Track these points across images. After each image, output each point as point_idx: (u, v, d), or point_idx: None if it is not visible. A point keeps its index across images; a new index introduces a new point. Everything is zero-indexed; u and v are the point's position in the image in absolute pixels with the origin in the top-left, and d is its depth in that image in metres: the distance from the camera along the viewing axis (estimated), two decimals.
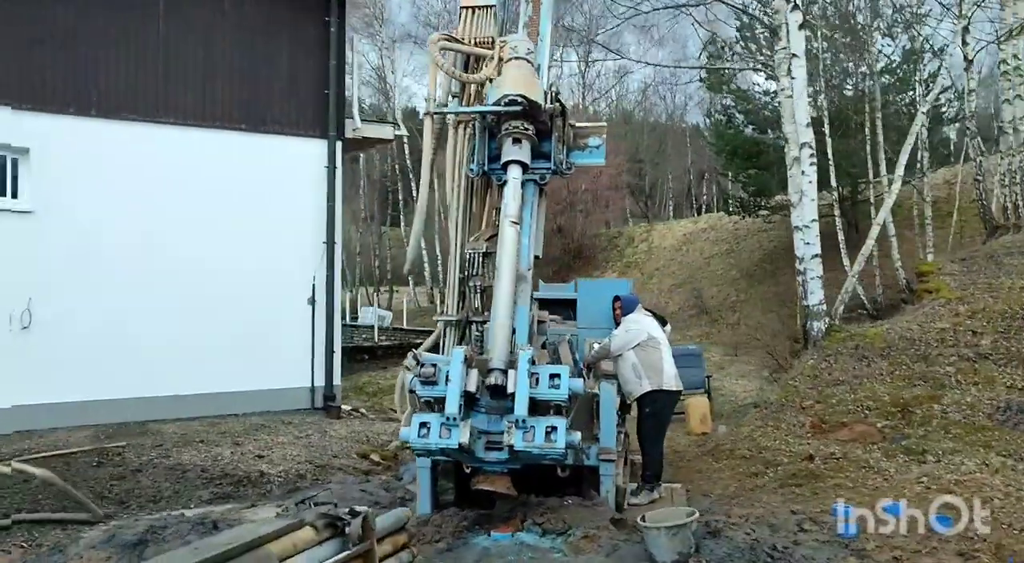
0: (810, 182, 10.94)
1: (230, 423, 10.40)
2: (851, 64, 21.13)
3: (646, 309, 7.86)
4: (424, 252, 30.47)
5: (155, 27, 10.82)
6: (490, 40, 7.08)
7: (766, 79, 19.99)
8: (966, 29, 14.46)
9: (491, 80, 6.65)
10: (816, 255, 10.86)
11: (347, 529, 4.41)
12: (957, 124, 20.92)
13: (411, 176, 33.51)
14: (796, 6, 10.88)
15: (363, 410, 12.20)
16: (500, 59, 6.70)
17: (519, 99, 6.27)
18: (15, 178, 10.07)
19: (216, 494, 7.84)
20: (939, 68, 17.00)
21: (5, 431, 9.39)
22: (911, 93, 20.19)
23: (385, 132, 13.69)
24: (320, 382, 11.72)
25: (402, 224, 35.13)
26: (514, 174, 6.38)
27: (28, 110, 9.98)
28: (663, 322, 7.80)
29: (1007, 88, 14.29)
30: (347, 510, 4.51)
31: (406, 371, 5.90)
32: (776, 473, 7.88)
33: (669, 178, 44.72)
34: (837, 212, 19.18)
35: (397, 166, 36.93)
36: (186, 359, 10.66)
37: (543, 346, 6.90)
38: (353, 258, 37.18)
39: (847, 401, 9.11)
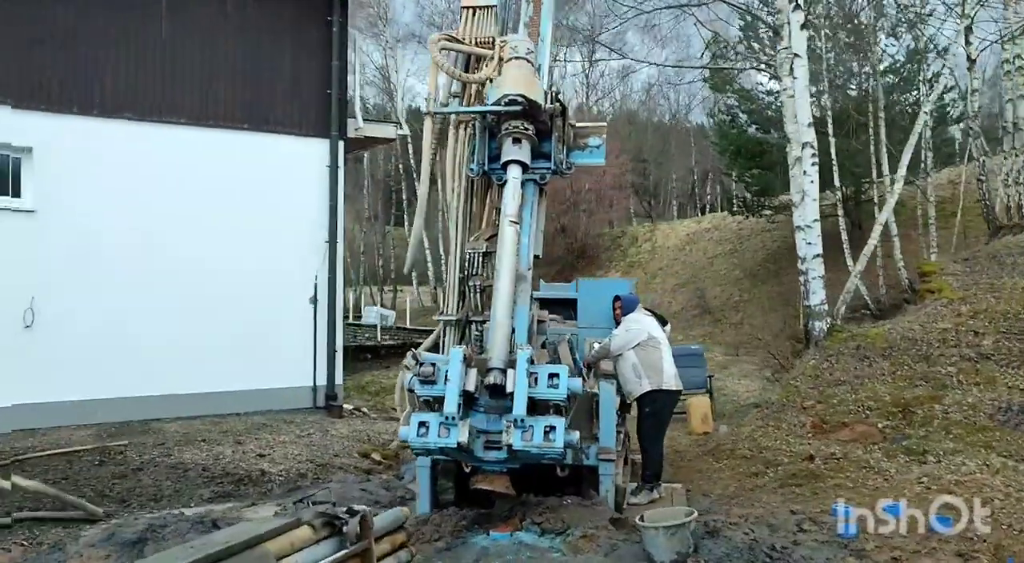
0: (812, 182, 10.93)
1: (232, 422, 10.42)
2: (855, 64, 21.10)
3: (646, 309, 7.87)
4: (428, 251, 30.50)
5: (157, 27, 10.83)
6: (491, 40, 7.08)
7: (769, 79, 19.98)
8: (969, 29, 14.44)
9: (491, 80, 6.65)
10: (818, 255, 10.86)
11: (345, 528, 4.42)
12: (961, 124, 20.87)
13: (415, 176, 33.50)
14: (798, 6, 10.87)
15: (365, 409, 12.22)
16: (500, 59, 6.71)
17: (519, 99, 6.26)
18: (17, 177, 10.07)
19: (217, 493, 7.86)
20: (942, 68, 16.95)
21: (5, 430, 9.40)
22: (915, 93, 20.16)
23: (387, 132, 13.71)
24: (322, 381, 11.73)
25: (406, 224, 35.16)
26: (514, 174, 6.38)
27: (31, 110, 9.99)
28: (663, 322, 7.80)
29: (1009, 87, 14.25)
30: (345, 509, 4.52)
31: (405, 370, 5.90)
32: (776, 473, 7.88)
33: (673, 178, 44.70)
34: (841, 212, 19.18)
35: (401, 166, 36.99)
36: (188, 358, 10.68)
37: (543, 346, 6.90)
38: (357, 257, 37.25)
39: (848, 401, 9.11)
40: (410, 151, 33.41)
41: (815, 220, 10.92)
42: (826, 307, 10.87)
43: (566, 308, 8.23)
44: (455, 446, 5.41)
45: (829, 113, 18.47)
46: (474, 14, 7.27)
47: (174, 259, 10.69)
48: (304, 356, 11.60)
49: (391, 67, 35.53)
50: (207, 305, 10.86)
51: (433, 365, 5.60)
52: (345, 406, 11.91)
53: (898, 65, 21.29)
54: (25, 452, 8.56)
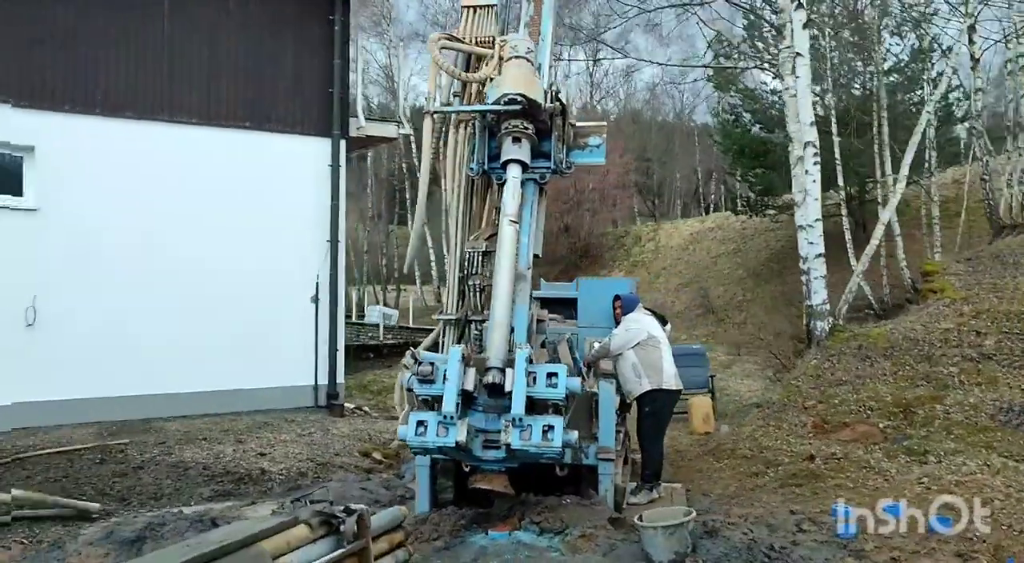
0: (814, 181, 10.91)
1: (233, 421, 10.43)
2: (859, 63, 21.06)
3: (646, 308, 7.86)
4: (431, 251, 30.50)
5: (160, 26, 10.85)
6: (491, 39, 7.08)
7: (773, 78, 19.95)
8: (972, 28, 14.40)
9: (491, 79, 6.64)
10: (820, 255, 10.84)
11: (342, 527, 4.43)
12: (966, 123, 20.83)
13: (418, 175, 33.50)
14: (800, 4, 10.84)
15: (366, 408, 12.23)
16: (500, 58, 6.70)
17: (518, 98, 6.25)
18: (19, 176, 10.09)
19: (217, 492, 7.87)
20: (945, 67, 16.90)
21: (6, 428, 9.43)
22: (919, 92, 20.12)
23: (389, 131, 13.70)
24: (323, 380, 11.73)
25: (409, 223, 35.13)
26: (514, 173, 6.37)
27: (33, 108, 10.01)
28: (663, 321, 7.80)
29: (1012, 87, 14.22)
30: (342, 508, 4.53)
31: (404, 369, 5.90)
32: (777, 473, 7.87)
33: (677, 177, 44.66)
34: (844, 211, 19.14)
35: (405, 165, 36.98)
36: (189, 357, 10.70)
37: (542, 345, 6.90)
38: (360, 256, 37.25)
39: (849, 401, 9.09)
40: (414, 150, 33.40)
41: (817, 219, 10.90)
42: (828, 307, 10.85)
43: (567, 307, 8.24)
44: (453, 445, 5.41)
45: (833, 112, 18.44)
46: (474, 13, 7.26)
47: (175, 258, 10.71)
48: (305, 355, 11.61)
49: (395, 66, 35.53)
50: (208, 304, 10.87)
51: (432, 364, 5.60)
52: (346, 405, 11.92)
53: (902, 64, 21.24)
54: (26, 450, 8.58)
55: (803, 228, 11.03)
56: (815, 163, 10.94)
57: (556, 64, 35.34)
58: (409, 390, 5.75)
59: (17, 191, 10.08)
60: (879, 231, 13.73)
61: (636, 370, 7.19)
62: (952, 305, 10.48)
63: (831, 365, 9.99)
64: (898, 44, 21.00)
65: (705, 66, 21.18)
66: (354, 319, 26.41)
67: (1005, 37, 14.31)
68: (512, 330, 5.95)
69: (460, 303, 6.67)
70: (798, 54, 10.95)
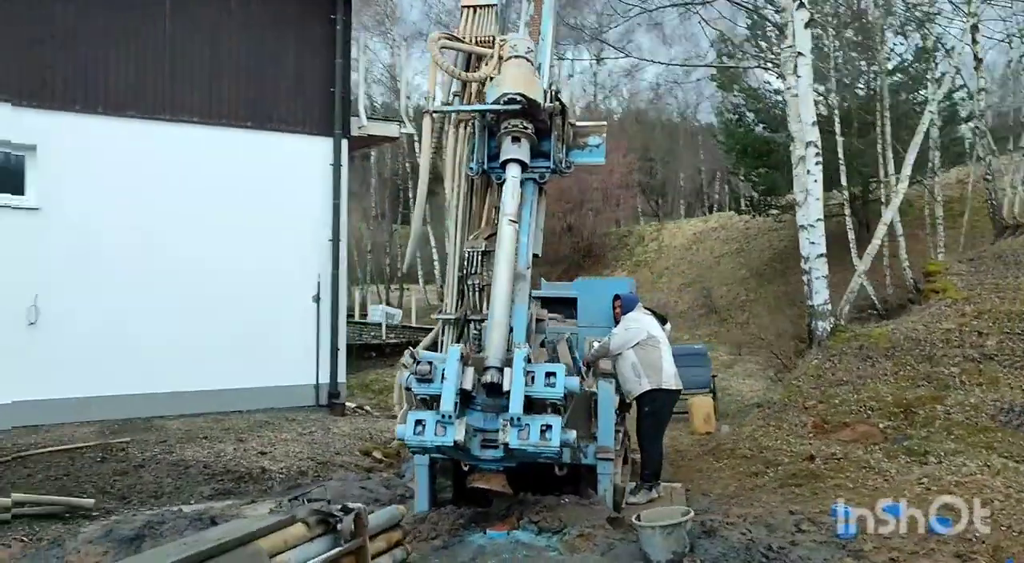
0: (815, 181, 10.89)
1: (234, 420, 10.47)
2: (863, 62, 21.02)
3: (646, 308, 7.85)
4: (434, 250, 30.52)
5: (162, 25, 10.88)
6: (491, 39, 7.08)
7: (777, 78, 19.92)
8: (975, 27, 14.36)
9: (491, 78, 6.64)
10: (821, 255, 10.83)
11: (339, 526, 4.44)
12: (971, 123, 20.76)
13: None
14: (802, 4, 10.82)
15: (368, 407, 12.24)
16: (500, 58, 6.70)
17: (518, 98, 6.25)
18: (21, 175, 10.12)
19: (217, 490, 7.89)
20: (949, 67, 16.86)
21: (8, 426, 9.47)
22: (923, 92, 20.06)
23: (391, 130, 13.71)
24: (325, 379, 11.76)
25: (412, 222, 35.14)
26: (513, 173, 6.37)
27: (35, 108, 10.05)
28: (663, 321, 7.79)
29: (1014, 89, 14.19)
30: (339, 507, 4.54)
31: (403, 369, 5.91)
32: (776, 473, 7.86)
33: (681, 177, 44.62)
34: (848, 211, 19.10)
35: (408, 164, 36.98)
36: (191, 356, 10.74)
37: (542, 344, 6.90)
38: (364, 256, 37.29)
39: (850, 401, 9.08)
40: (416, 150, 33.38)
41: (818, 219, 10.89)
42: (829, 307, 10.83)
43: (567, 307, 8.25)
44: (451, 444, 5.41)
45: (836, 112, 18.40)
46: (475, 13, 7.26)
47: (176, 258, 10.75)
48: (307, 354, 11.63)
49: (398, 65, 35.55)
50: (210, 304, 10.91)
51: (430, 363, 5.60)
52: (348, 404, 11.95)
53: (906, 64, 21.19)
54: (27, 449, 8.62)
55: (804, 228, 11.02)
56: (817, 163, 10.92)
57: (559, 63, 35.39)
58: (407, 389, 5.75)
59: (19, 190, 10.12)
60: (881, 231, 13.71)
61: (636, 370, 7.18)
62: (954, 305, 10.47)
63: (832, 365, 9.98)
64: (902, 44, 20.97)
65: (707, 65, 21.18)
66: (357, 318, 26.44)
67: (1008, 37, 14.27)
68: (511, 329, 5.95)
69: (459, 302, 6.67)
70: (800, 54, 10.94)
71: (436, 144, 7.00)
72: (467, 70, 7.00)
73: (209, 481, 8.09)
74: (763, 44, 20.64)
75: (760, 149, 23.64)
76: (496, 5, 7.28)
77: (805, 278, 11.06)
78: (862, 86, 21.56)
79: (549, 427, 5.38)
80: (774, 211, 24.39)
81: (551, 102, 6.48)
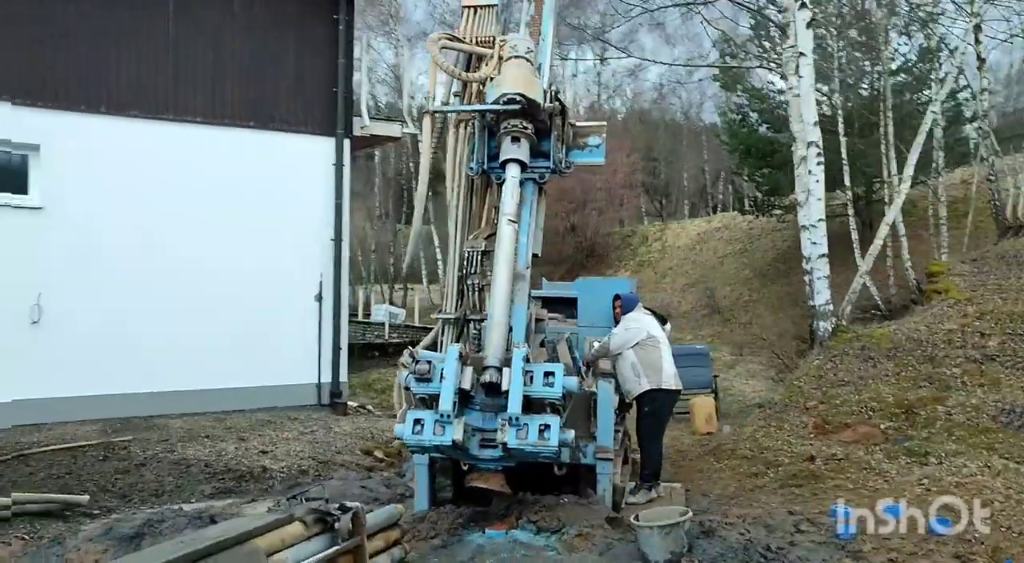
0: (817, 181, 10.89)
1: (236, 419, 10.48)
2: (867, 63, 20.98)
3: (646, 308, 7.85)
4: (438, 250, 30.53)
5: (165, 26, 10.90)
6: (492, 39, 7.08)
7: (781, 78, 19.89)
8: (978, 27, 14.34)
9: (491, 79, 6.65)
10: (823, 255, 10.82)
11: (336, 524, 4.44)
12: (975, 123, 20.72)
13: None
14: (804, 4, 10.81)
15: (370, 407, 12.26)
16: (500, 58, 6.70)
17: (517, 98, 6.25)
18: (24, 174, 10.16)
19: (218, 489, 7.91)
20: (952, 67, 16.82)
21: (10, 425, 9.50)
22: (927, 92, 20.02)
23: (394, 130, 13.72)
24: (327, 378, 11.78)
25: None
26: (512, 173, 6.37)
27: (39, 107, 10.08)
28: (663, 321, 7.78)
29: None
30: (337, 506, 4.54)
31: (403, 368, 5.92)
32: (776, 473, 7.86)
33: (684, 177, 44.59)
34: (851, 212, 19.08)
35: (412, 164, 36.99)
36: (194, 355, 10.76)
37: (541, 344, 6.91)
38: (368, 255, 37.33)
39: (851, 402, 9.08)
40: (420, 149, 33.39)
41: (820, 220, 10.88)
42: (831, 307, 10.82)
43: (567, 307, 8.26)
44: (450, 444, 5.42)
45: (840, 112, 18.38)
46: (475, 13, 7.27)
47: (179, 258, 10.77)
48: (309, 353, 11.65)
49: (402, 65, 35.56)
50: (212, 303, 10.93)
51: (429, 363, 5.61)
52: (350, 403, 11.96)
53: (910, 64, 21.15)
54: (29, 447, 8.64)
55: (806, 228, 11.01)
56: (818, 163, 10.92)
57: (563, 63, 35.42)
58: (407, 389, 5.77)
59: (23, 190, 10.15)
60: (883, 231, 13.69)
61: (635, 370, 7.18)
62: (956, 306, 10.46)
63: (834, 366, 9.97)
64: (906, 44, 20.94)
65: (709, 65, 21.15)
66: (360, 318, 26.47)
67: (1012, 36, 14.24)
68: (510, 329, 5.96)
69: (459, 302, 6.68)
70: (801, 54, 10.94)
71: (437, 144, 7.01)
72: (468, 70, 7.01)
73: (210, 480, 8.10)
74: (767, 44, 20.60)
75: (764, 149, 23.62)
76: (496, 5, 7.28)
77: (807, 278, 11.05)
78: (866, 86, 21.53)
79: (547, 427, 5.39)
80: (777, 211, 24.37)
81: (551, 102, 6.48)
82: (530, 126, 6.43)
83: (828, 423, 8.80)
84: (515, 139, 6.41)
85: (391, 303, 30.67)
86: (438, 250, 30.49)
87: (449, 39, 7.04)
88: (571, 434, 5.53)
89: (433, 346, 6.70)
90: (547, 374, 5.53)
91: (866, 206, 21.69)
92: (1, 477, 7.68)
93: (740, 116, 25.74)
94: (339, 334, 11.90)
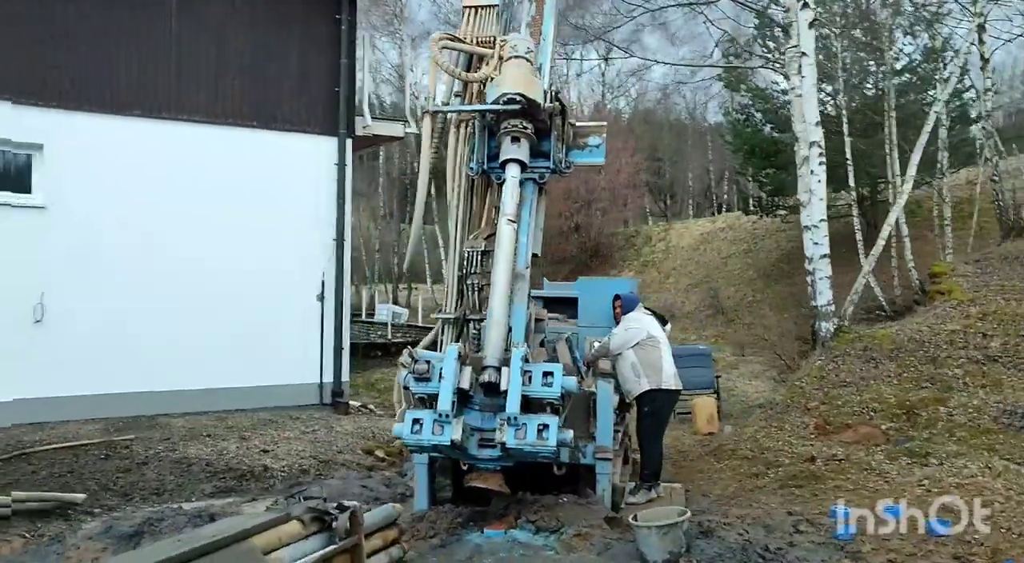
0: (819, 181, 10.87)
1: (238, 418, 10.48)
2: (872, 63, 20.94)
3: (646, 308, 7.85)
4: (441, 250, 30.54)
5: (168, 25, 10.93)
6: (492, 39, 7.09)
7: (784, 78, 19.86)
8: (982, 27, 14.31)
9: (491, 78, 6.65)
10: (825, 255, 10.80)
11: (334, 523, 4.45)
12: (979, 124, 20.67)
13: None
14: (806, 4, 10.80)
15: (371, 406, 12.26)
16: (500, 58, 6.70)
17: (517, 98, 6.26)
18: (28, 173, 10.19)
19: (219, 488, 7.91)
20: (956, 68, 16.79)
21: (14, 423, 9.52)
22: (932, 92, 19.98)
23: (396, 130, 13.73)
24: (329, 378, 11.79)
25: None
26: (512, 173, 6.38)
27: (42, 106, 10.10)
28: (663, 321, 7.78)
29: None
30: (335, 504, 4.55)
31: (402, 368, 5.94)
32: (777, 474, 7.85)
33: (689, 177, 44.56)
34: (856, 212, 19.06)
35: (416, 164, 36.96)
36: (197, 355, 10.78)
37: (541, 344, 6.92)
38: (372, 255, 37.37)
39: (852, 402, 9.07)
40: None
41: (822, 220, 10.86)
42: (833, 308, 10.80)
43: (568, 307, 8.27)
44: (448, 443, 5.43)
45: (844, 112, 18.35)
46: (476, 13, 7.27)
47: (182, 257, 10.78)
48: (311, 353, 11.66)
49: (406, 65, 35.58)
50: (214, 303, 10.94)
51: (428, 362, 5.63)
52: (352, 403, 11.97)
53: (915, 64, 21.11)
54: (32, 445, 8.67)
55: (808, 228, 11.00)
56: (821, 163, 10.90)
57: (568, 63, 35.40)
58: (406, 388, 5.78)
59: (26, 189, 10.18)
60: (886, 232, 13.68)
61: (635, 370, 7.18)
62: (959, 307, 10.44)
63: (835, 366, 9.95)
64: (911, 44, 20.89)
65: (711, 66, 21.11)
66: (364, 317, 26.52)
67: (1017, 36, 14.21)
68: (510, 329, 5.97)
69: (459, 302, 6.69)
70: (803, 54, 10.92)
71: (437, 144, 7.02)
72: (469, 71, 7.01)
73: (211, 479, 8.11)
74: (771, 44, 20.58)
75: (768, 149, 23.58)
76: (497, 5, 7.29)
77: (809, 279, 11.04)
78: (871, 86, 21.48)
79: (546, 427, 5.40)
80: (782, 211, 24.35)
81: (551, 102, 6.49)
82: (530, 126, 6.44)
83: (829, 424, 8.80)
84: (515, 139, 6.42)
85: (395, 303, 30.71)
86: (441, 250, 30.51)
87: (450, 39, 7.05)
88: (569, 434, 5.53)
89: (433, 346, 6.71)
90: (546, 374, 5.54)
91: (871, 206, 21.68)
92: (3, 475, 7.70)
93: (744, 116, 25.73)
94: (341, 334, 11.92)
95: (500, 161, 6.48)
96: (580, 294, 8.25)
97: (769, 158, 23.58)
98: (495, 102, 6.37)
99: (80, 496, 7.03)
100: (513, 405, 5.40)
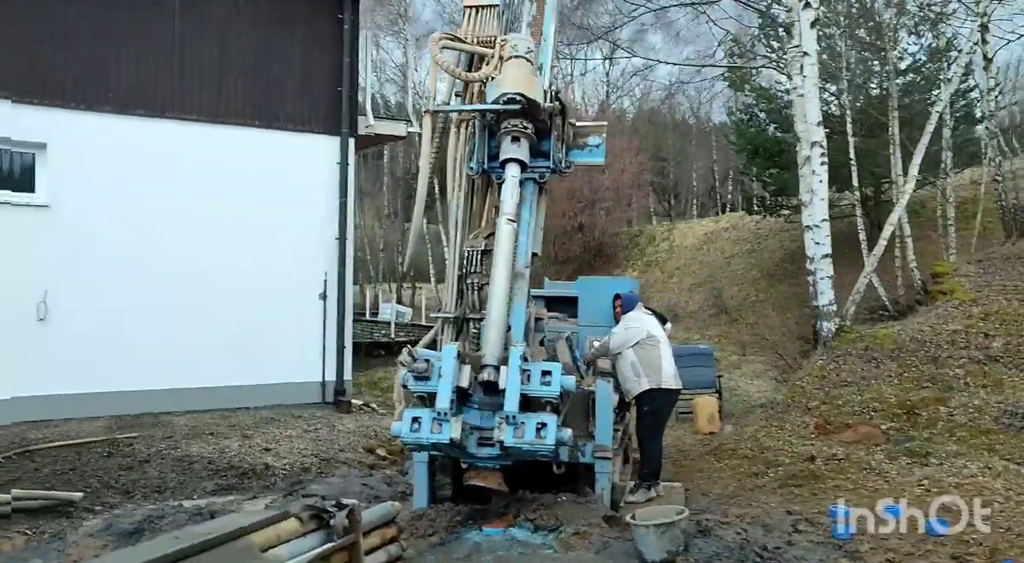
0: (821, 181, 10.86)
1: (241, 416, 10.53)
2: (876, 62, 20.89)
3: (647, 308, 7.87)
4: (445, 250, 30.53)
5: (171, 24, 10.97)
6: (493, 39, 7.10)
7: (787, 78, 19.82)
8: (985, 27, 14.28)
9: (491, 78, 6.67)
10: (826, 255, 10.79)
11: (332, 521, 4.46)
12: (984, 124, 20.60)
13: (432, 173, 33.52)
14: (808, 4, 10.79)
15: (374, 405, 12.29)
16: (500, 58, 6.72)
17: (517, 97, 6.28)
18: (31, 172, 10.23)
19: (220, 486, 7.94)
20: (954, 66, 16.75)
21: (17, 420, 9.56)
22: (936, 92, 19.92)
23: (398, 129, 13.75)
24: (331, 377, 11.82)
25: (425, 221, 35.30)
26: (512, 172, 6.39)
27: (45, 106, 10.14)
28: (663, 320, 7.79)
29: None
30: (333, 502, 4.57)
31: (402, 367, 5.95)
32: (776, 473, 7.87)
33: (693, 177, 44.54)
34: (859, 212, 19.01)
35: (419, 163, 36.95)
36: (200, 354, 10.81)
37: (541, 343, 6.94)
38: (376, 254, 37.42)
39: (853, 402, 9.07)
40: None
41: (824, 220, 10.85)
42: (835, 308, 10.80)
43: (569, 306, 8.29)
44: (447, 442, 5.46)
45: (849, 112, 18.32)
46: (477, 13, 7.28)
47: (185, 257, 10.81)
48: (313, 352, 11.69)
49: (411, 65, 35.61)
50: (217, 302, 10.97)
51: (427, 361, 5.65)
52: (354, 401, 12.00)
53: (919, 64, 21.05)
54: (35, 443, 8.71)
55: (810, 228, 10.99)
56: (822, 163, 10.89)
57: (572, 63, 35.37)
58: (405, 387, 5.80)
59: (29, 188, 10.22)
60: (888, 232, 13.65)
61: (635, 369, 7.19)
62: (961, 307, 10.42)
63: (836, 366, 9.96)
64: (916, 43, 20.82)
65: (713, 65, 21.09)
66: (368, 316, 26.55)
67: (1020, 37, 14.17)
68: (509, 328, 5.98)
69: (459, 301, 6.71)
70: (805, 53, 10.92)
71: (438, 144, 7.03)
72: (470, 70, 7.02)
73: (212, 477, 8.15)
74: (775, 44, 20.54)
75: (771, 149, 23.50)
76: (498, 5, 7.30)
77: (810, 279, 11.03)
78: (875, 86, 21.43)
79: (544, 425, 5.42)
80: (785, 211, 24.28)
81: (551, 102, 6.51)
82: (530, 126, 6.45)
83: (830, 423, 8.80)
84: (515, 139, 6.43)
85: (399, 302, 30.74)
86: (445, 250, 30.48)
87: (450, 39, 7.07)
88: (568, 433, 5.55)
89: (433, 345, 6.73)
90: (544, 373, 5.56)
91: (875, 206, 21.61)
92: (6, 472, 7.74)
93: (748, 116, 25.67)
94: (343, 332, 11.94)
95: (500, 161, 6.49)
96: (580, 293, 8.29)
97: (773, 158, 23.50)
98: (495, 102, 6.38)
99: (77, 495, 7.06)
100: (511, 404, 5.42)
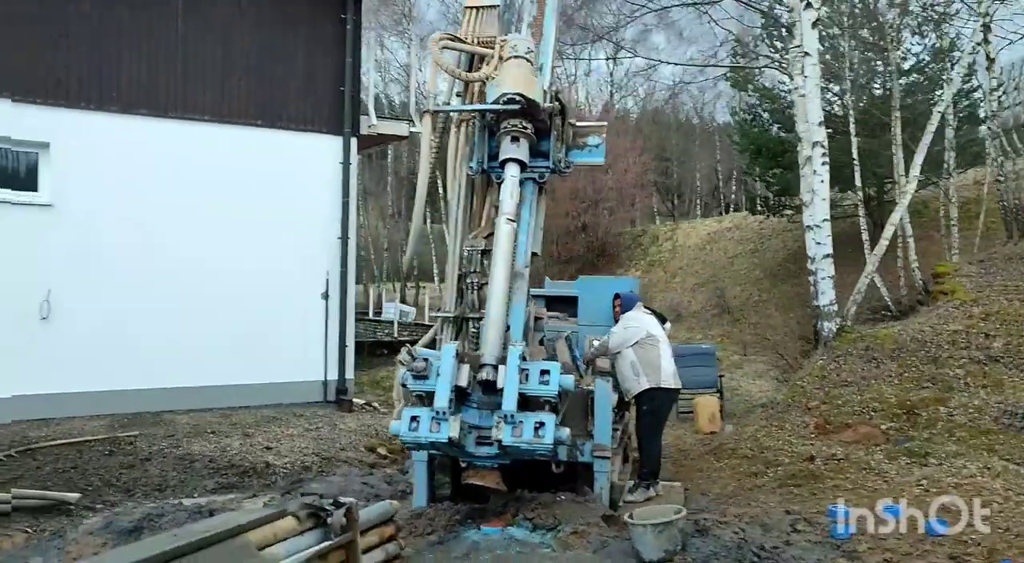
0: (822, 181, 10.86)
1: (242, 415, 10.55)
2: (879, 62, 20.85)
3: (646, 307, 7.88)
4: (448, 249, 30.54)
5: (174, 24, 11.00)
6: (494, 39, 7.11)
7: (789, 78, 19.81)
8: (987, 27, 14.25)
9: (491, 78, 6.68)
10: (828, 255, 10.79)
11: (329, 519, 4.48)
12: (987, 124, 20.53)
13: (436, 173, 33.57)
14: (809, 4, 10.78)
15: (375, 404, 12.32)
16: (500, 58, 6.73)
17: (517, 97, 6.29)
18: (35, 172, 10.27)
19: (221, 484, 7.96)
20: (956, 66, 16.72)
21: (20, 418, 9.60)
22: (939, 92, 19.88)
23: (401, 129, 13.78)
24: (333, 376, 11.85)
25: (428, 221, 35.34)
26: (512, 172, 6.41)
27: (49, 105, 10.17)
28: (663, 320, 7.81)
29: None
30: (330, 501, 4.59)
31: (401, 366, 5.97)
32: (776, 473, 7.87)
33: (697, 177, 44.51)
34: (862, 212, 18.98)
35: None
36: (202, 353, 10.84)
37: (540, 343, 6.95)
38: (380, 254, 37.48)
39: (853, 402, 9.07)
40: None
41: (825, 220, 10.84)
42: (835, 308, 10.79)
43: (569, 305, 8.31)
44: (446, 441, 5.47)
45: (852, 112, 18.28)
46: (477, 13, 7.29)
47: (184, 257, 10.83)
48: (315, 351, 11.72)
49: (415, 65, 35.61)
50: (221, 301, 11.00)
51: (426, 360, 5.67)
52: (355, 400, 12.03)
53: (923, 64, 21.01)
54: (37, 441, 8.73)
55: (811, 228, 10.98)
56: (823, 163, 10.89)
57: (576, 63, 35.39)
58: (404, 386, 5.82)
59: (33, 187, 10.26)
60: (889, 232, 13.62)
61: (635, 368, 7.21)
62: (962, 307, 10.40)
63: (837, 366, 9.95)
64: (919, 43, 20.78)
65: (716, 65, 21.08)
66: (371, 315, 26.60)
67: (1021, 37, 14.14)
68: (508, 327, 6.00)
69: (458, 300, 6.72)
70: (806, 53, 10.91)
71: (438, 144, 7.05)
72: (470, 70, 7.04)
73: (213, 475, 8.17)
74: (777, 44, 20.52)
75: (775, 149, 23.45)
76: (498, 6, 7.31)
77: (811, 279, 11.03)
78: (878, 86, 21.40)
79: (543, 424, 5.43)
80: (788, 211, 24.24)
81: (550, 102, 6.53)
82: (530, 126, 6.46)
83: (829, 423, 8.80)
84: (515, 139, 6.44)
85: (402, 301, 30.78)
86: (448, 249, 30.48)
87: (450, 39, 7.07)
88: (566, 432, 5.56)
89: (432, 344, 6.75)
90: (543, 372, 5.58)
91: (877, 207, 21.57)
92: (8, 470, 7.77)
93: (751, 116, 25.64)
94: (345, 332, 11.97)
95: (500, 160, 6.50)
96: (580, 293, 8.31)
97: (776, 158, 23.46)
98: (495, 102, 6.40)
99: (74, 496, 7.07)
100: (510, 403, 5.43)
